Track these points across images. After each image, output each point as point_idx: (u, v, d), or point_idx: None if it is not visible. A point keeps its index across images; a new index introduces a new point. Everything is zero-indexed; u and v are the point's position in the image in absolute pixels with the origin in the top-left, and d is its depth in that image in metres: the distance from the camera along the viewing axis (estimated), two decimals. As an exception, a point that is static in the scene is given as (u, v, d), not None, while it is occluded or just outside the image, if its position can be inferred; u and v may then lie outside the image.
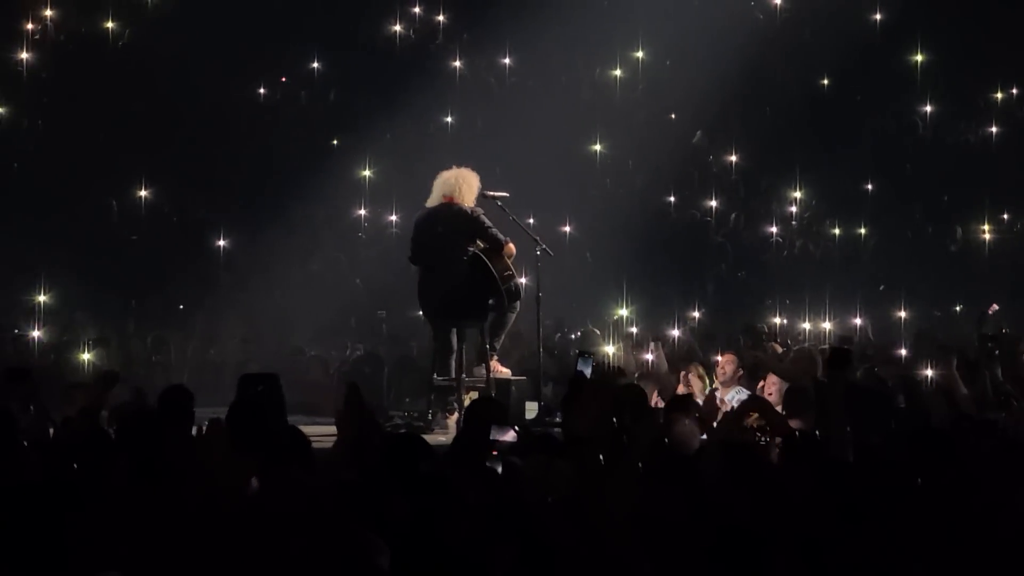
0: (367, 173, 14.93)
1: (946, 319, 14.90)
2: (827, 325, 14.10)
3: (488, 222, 10.11)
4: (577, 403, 7.26)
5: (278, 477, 5.03)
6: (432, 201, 10.22)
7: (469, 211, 10.05)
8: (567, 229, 14.94)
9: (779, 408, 9.24)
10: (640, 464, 6.17)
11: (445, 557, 4.53)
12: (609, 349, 12.24)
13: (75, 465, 5.82)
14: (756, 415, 7.88)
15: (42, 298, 13.15)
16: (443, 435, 9.37)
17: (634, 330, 13.17)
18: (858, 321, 14.55)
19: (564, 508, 4.98)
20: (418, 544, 4.54)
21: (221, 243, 14.48)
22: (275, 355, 12.76)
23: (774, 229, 15.98)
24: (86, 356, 11.82)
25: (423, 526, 4.64)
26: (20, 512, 4.59)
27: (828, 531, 4.95)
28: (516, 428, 9.28)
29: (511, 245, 10.17)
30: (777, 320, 14.06)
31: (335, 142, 15.07)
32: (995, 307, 12.11)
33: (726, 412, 9.15)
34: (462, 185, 10.12)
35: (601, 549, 4.64)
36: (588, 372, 9.04)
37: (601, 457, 6.13)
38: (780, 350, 11.86)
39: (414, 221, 10.43)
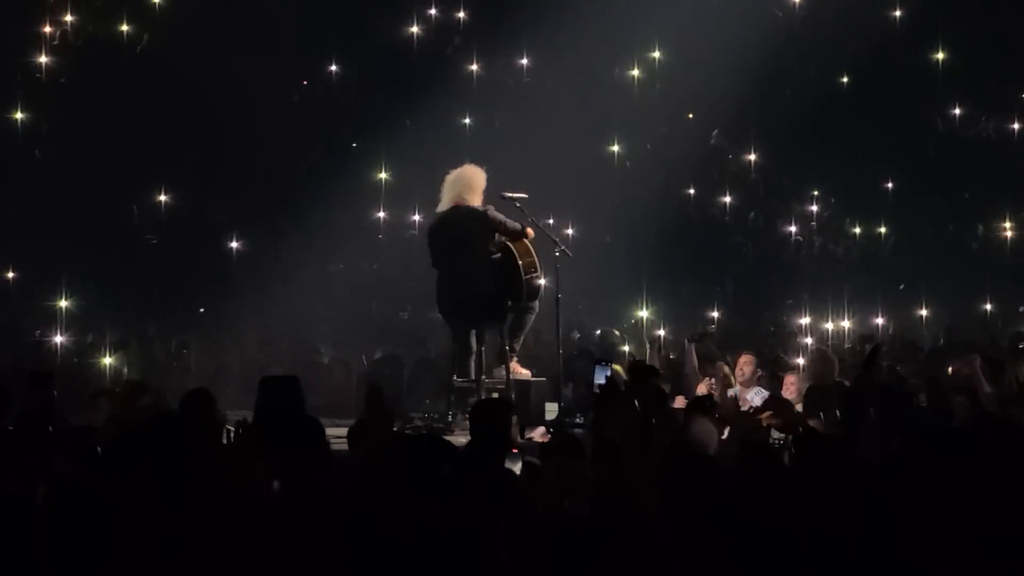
0: (385, 175, 14.94)
1: (968, 317, 14.83)
2: (847, 324, 14.06)
3: (500, 216, 10.14)
4: (610, 406, 7.24)
5: (299, 479, 5.04)
6: (443, 206, 10.28)
7: (481, 210, 10.10)
8: (585, 230, 14.92)
9: (799, 408, 9.23)
10: (662, 465, 6.16)
11: (462, 557, 4.53)
12: (627, 349, 12.23)
13: (101, 470, 5.83)
14: (769, 414, 7.86)
15: (63, 303, 13.20)
16: (464, 436, 9.37)
17: (661, 332, 13.18)
18: (879, 320, 14.51)
19: (590, 509, 4.98)
20: (436, 544, 4.54)
21: (241, 246, 14.50)
22: (295, 358, 12.78)
23: (793, 228, 15.93)
24: (108, 360, 11.86)
25: (442, 526, 4.64)
26: (49, 516, 4.61)
27: (852, 531, 4.94)
28: (547, 427, 9.32)
29: (530, 229, 10.20)
30: (806, 320, 14.03)
31: (355, 145, 15.08)
32: None
33: (743, 412, 9.14)
34: (468, 185, 10.17)
35: (628, 549, 4.63)
36: (604, 381, 8.98)
37: (630, 459, 6.13)
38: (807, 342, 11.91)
39: (428, 229, 10.48)
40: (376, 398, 6.46)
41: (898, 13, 15.79)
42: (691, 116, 15.65)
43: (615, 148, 15.37)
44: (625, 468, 5.81)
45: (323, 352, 13.24)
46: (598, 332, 13.55)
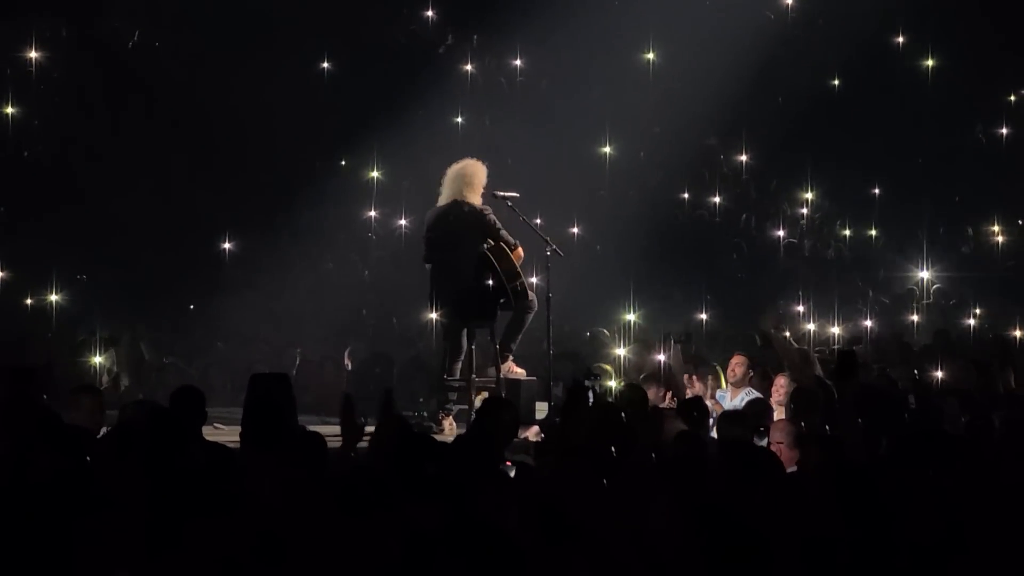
0: (376, 174, 14.93)
1: (956, 320, 14.87)
2: (836, 330, 14.07)
3: (498, 223, 10.13)
4: (577, 411, 7.25)
5: (291, 477, 5.05)
6: (443, 199, 10.28)
7: (479, 210, 10.09)
8: (576, 230, 14.92)
9: (785, 408, 9.26)
10: (640, 465, 6.19)
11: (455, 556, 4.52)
12: (620, 351, 12.25)
13: (87, 465, 5.81)
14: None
15: (53, 298, 13.17)
16: (439, 435, 9.37)
17: (651, 331, 13.19)
18: (868, 323, 14.54)
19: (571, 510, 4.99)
20: (429, 544, 4.53)
21: (231, 244, 14.47)
22: (285, 355, 12.77)
23: (781, 233, 15.96)
24: (97, 359, 11.82)
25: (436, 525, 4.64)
26: (31, 512, 4.59)
27: (836, 532, 4.94)
28: (540, 426, 9.33)
29: (520, 250, 10.19)
30: (796, 321, 14.07)
31: (343, 162, 15.05)
32: None
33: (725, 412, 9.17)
34: (468, 182, 10.16)
35: (614, 548, 4.64)
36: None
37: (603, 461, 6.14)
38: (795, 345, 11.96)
39: (425, 220, 10.48)
40: (348, 410, 6.42)
41: (889, 17, 15.82)
42: (658, 130, 15.59)
43: (607, 149, 15.38)
44: (600, 469, 5.82)
45: (310, 350, 13.24)
46: (588, 333, 13.55)
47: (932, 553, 4.96)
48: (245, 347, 13.33)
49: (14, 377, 8.01)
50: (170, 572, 4.63)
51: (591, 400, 7.86)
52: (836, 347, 13.22)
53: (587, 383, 8.27)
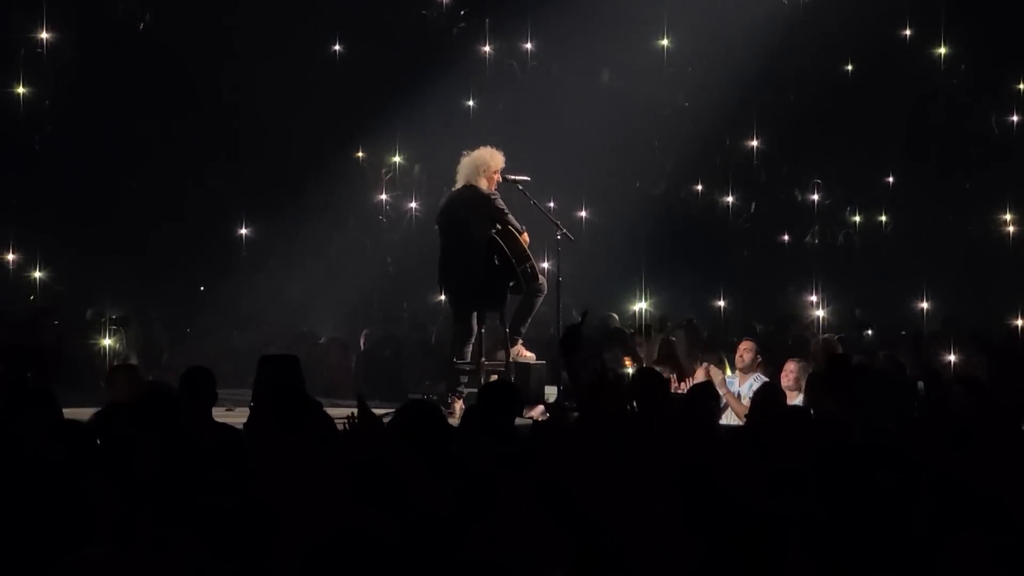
0: (388, 157, 14.94)
1: (968, 307, 14.84)
2: (826, 329, 14.03)
3: (505, 208, 10.13)
4: (599, 396, 7.24)
5: (303, 458, 5.06)
6: (456, 186, 10.32)
7: (485, 195, 10.10)
8: (586, 214, 14.92)
9: (798, 394, 9.26)
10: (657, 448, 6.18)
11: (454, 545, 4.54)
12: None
13: (92, 450, 5.81)
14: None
15: (62, 279, 13.21)
16: (451, 418, 9.38)
17: (660, 315, 13.20)
18: (876, 310, 14.54)
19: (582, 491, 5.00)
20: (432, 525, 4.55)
21: (242, 226, 14.50)
22: (293, 337, 12.80)
23: (794, 216, 15.93)
24: (107, 342, 11.86)
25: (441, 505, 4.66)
26: (43, 491, 4.60)
27: (839, 517, 4.95)
28: (545, 403, 9.34)
29: (526, 235, 10.19)
30: (807, 308, 14.07)
31: (360, 154, 15.05)
32: None
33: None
34: (477, 169, 10.18)
35: (624, 536, 4.65)
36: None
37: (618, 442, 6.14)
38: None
39: (438, 206, 10.51)
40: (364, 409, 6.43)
41: (902, 2, 15.76)
42: (687, 104, 15.60)
43: (619, 132, 15.33)
44: (617, 457, 5.82)
45: (323, 332, 13.27)
46: (596, 320, 13.54)
47: (931, 539, 4.96)
48: (255, 329, 13.37)
49: (12, 358, 8.00)
50: (176, 551, 4.64)
51: (582, 328, 7.80)
52: (841, 335, 13.19)
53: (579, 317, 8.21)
